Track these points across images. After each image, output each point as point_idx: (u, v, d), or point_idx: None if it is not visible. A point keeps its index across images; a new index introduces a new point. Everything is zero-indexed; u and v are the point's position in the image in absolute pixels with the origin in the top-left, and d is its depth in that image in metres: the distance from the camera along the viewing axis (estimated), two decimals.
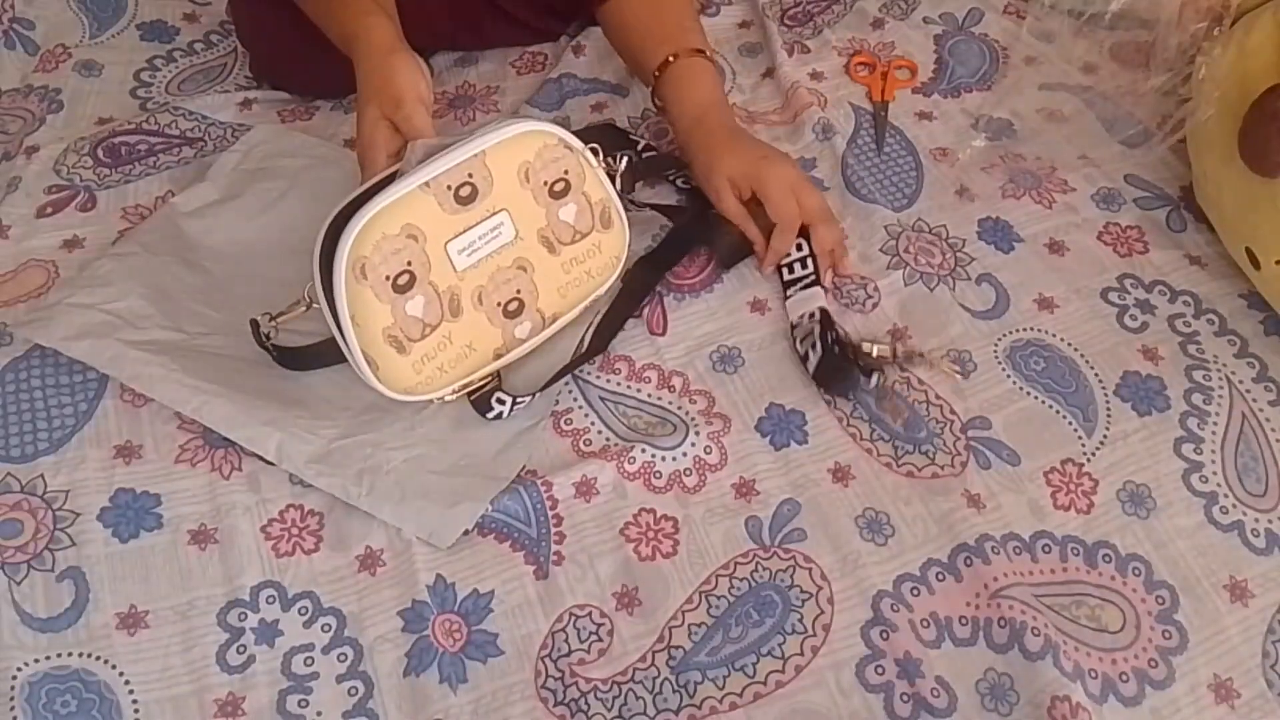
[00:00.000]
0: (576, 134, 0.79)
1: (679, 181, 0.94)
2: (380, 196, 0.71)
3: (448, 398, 0.79)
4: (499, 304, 0.77)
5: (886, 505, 0.77)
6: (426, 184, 0.72)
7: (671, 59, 0.90)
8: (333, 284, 0.71)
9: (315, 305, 0.74)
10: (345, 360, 0.76)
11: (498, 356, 0.79)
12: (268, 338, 0.79)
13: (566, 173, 0.78)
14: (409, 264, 0.72)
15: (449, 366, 0.77)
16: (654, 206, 0.91)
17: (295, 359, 0.80)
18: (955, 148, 0.99)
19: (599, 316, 0.85)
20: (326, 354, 0.79)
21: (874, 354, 0.83)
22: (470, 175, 0.74)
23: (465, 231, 0.74)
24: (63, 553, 0.73)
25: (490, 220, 0.75)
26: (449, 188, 0.73)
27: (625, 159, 0.85)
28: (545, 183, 0.77)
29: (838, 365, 0.81)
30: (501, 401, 0.79)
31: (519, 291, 0.77)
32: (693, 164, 0.89)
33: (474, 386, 0.79)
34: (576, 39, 1.07)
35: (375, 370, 0.74)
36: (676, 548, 0.75)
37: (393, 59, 0.77)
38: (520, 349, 0.81)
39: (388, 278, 0.72)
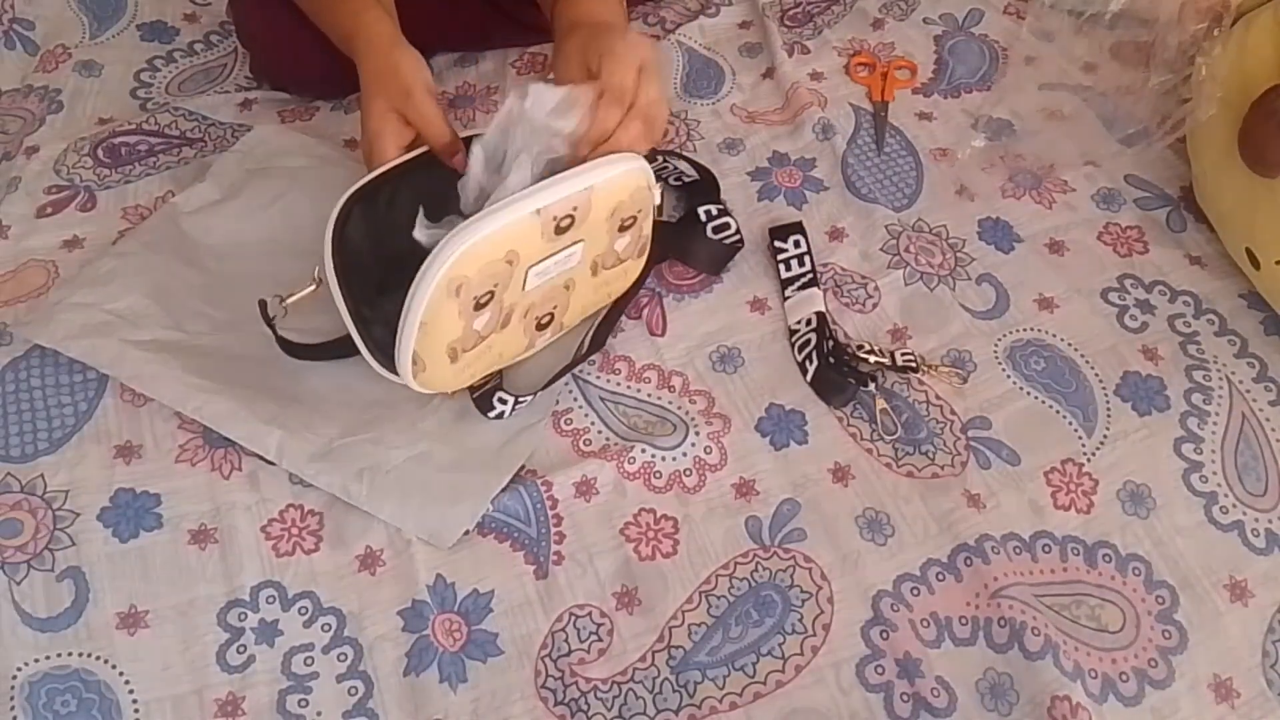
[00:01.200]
0: None
1: (671, 180, 0.94)
2: (494, 217, 0.67)
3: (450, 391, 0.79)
4: (536, 318, 0.77)
5: (886, 505, 0.77)
6: (538, 211, 0.68)
7: None
8: (415, 287, 0.67)
9: (324, 284, 0.73)
10: (348, 356, 0.76)
11: (511, 359, 0.80)
12: (274, 319, 0.78)
13: (640, 211, 0.77)
14: (494, 286, 0.70)
15: (480, 370, 0.77)
16: None
17: (300, 351, 0.80)
18: (955, 148, 0.99)
19: (598, 318, 0.85)
20: (332, 350, 0.79)
21: (871, 362, 0.83)
22: (575, 208, 0.70)
23: (549, 258, 0.72)
24: (63, 552, 0.73)
25: (570, 249, 0.73)
26: (555, 218, 0.70)
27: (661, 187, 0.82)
28: (622, 219, 0.76)
29: (834, 379, 0.82)
30: (503, 401, 0.79)
31: (555, 307, 0.77)
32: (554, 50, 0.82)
33: (475, 385, 0.79)
34: None
35: (419, 373, 0.72)
36: (676, 547, 0.75)
37: (396, 52, 0.77)
38: (530, 351, 0.81)
39: (475, 298, 0.70)
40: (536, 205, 0.68)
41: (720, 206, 0.91)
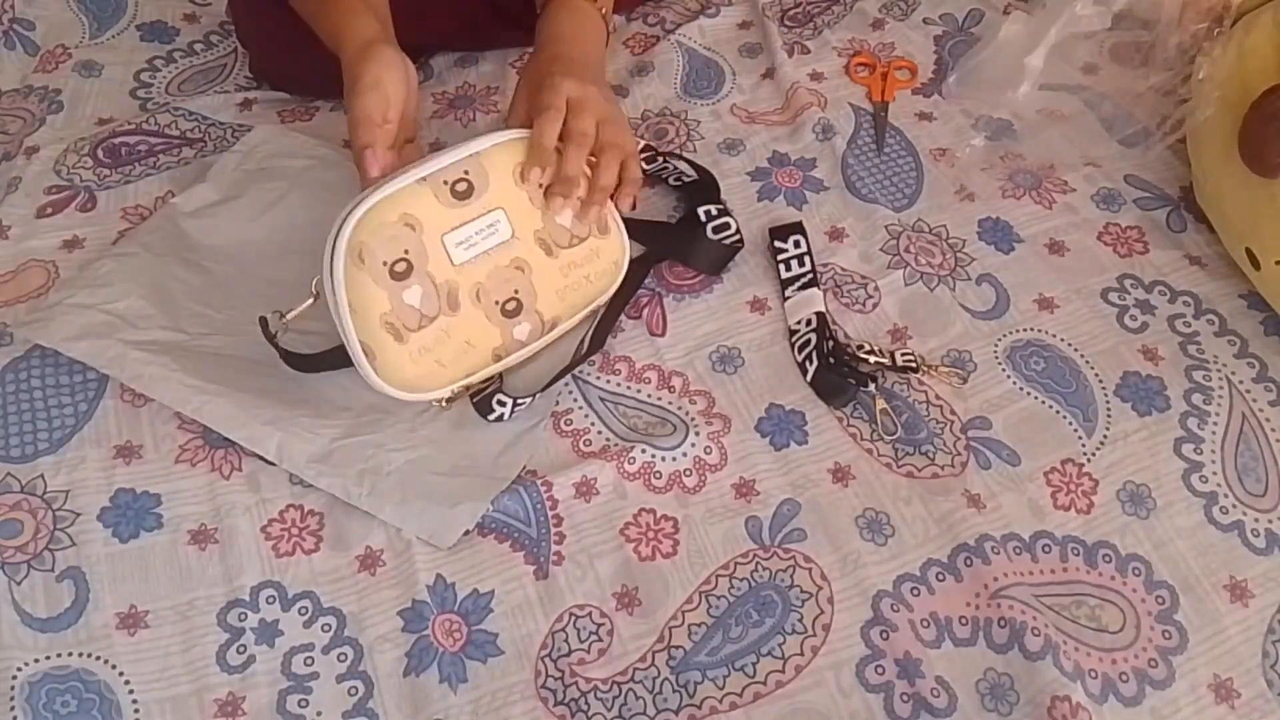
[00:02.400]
0: None
1: (671, 180, 0.94)
2: (378, 190, 0.72)
3: (445, 399, 0.78)
4: (497, 302, 0.77)
5: (886, 505, 0.77)
6: (423, 179, 0.73)
7: None
8: (328, 270, 0.72)
9: (321, 296, 0.74)
10: (350, 364, 0.76)
11: (497, 358, 0.79)
12: (275, 335, 0.78)
13: None
14: (406, 252, 0.73)
15: (447, 361, 0.76)
16: (630, 230, 0.92)
17: (301, 362, 0.80)
18: (955, 148, 0.99)
19: (597, 318, 0.85)
20: (332, 359, 0.79)
21: (871, 362, 0.83)
22: (466, 172, 0.75)
23: (462, 225, 0.75)
24: (63, 553, 0.73)
25: (487, 217, 0.75)
26: (445, 182, 0.74)
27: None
28: (541, 184, 0.77)
29: (834, 380, 0.82)
30: (502, 404, 0.79)
31: (517, 291, 0.77)
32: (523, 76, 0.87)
33: (474, 389, 0.79)
34: None
35: (373, 361, 0.74)
36: (676, 548, 0.75)
37: (373, 48, 0.77)
38: (521, 352, 0.80)
39: (385, 264, 0.72)
40: (420, 174, 0.73)
41: (720, 207, 0.91)
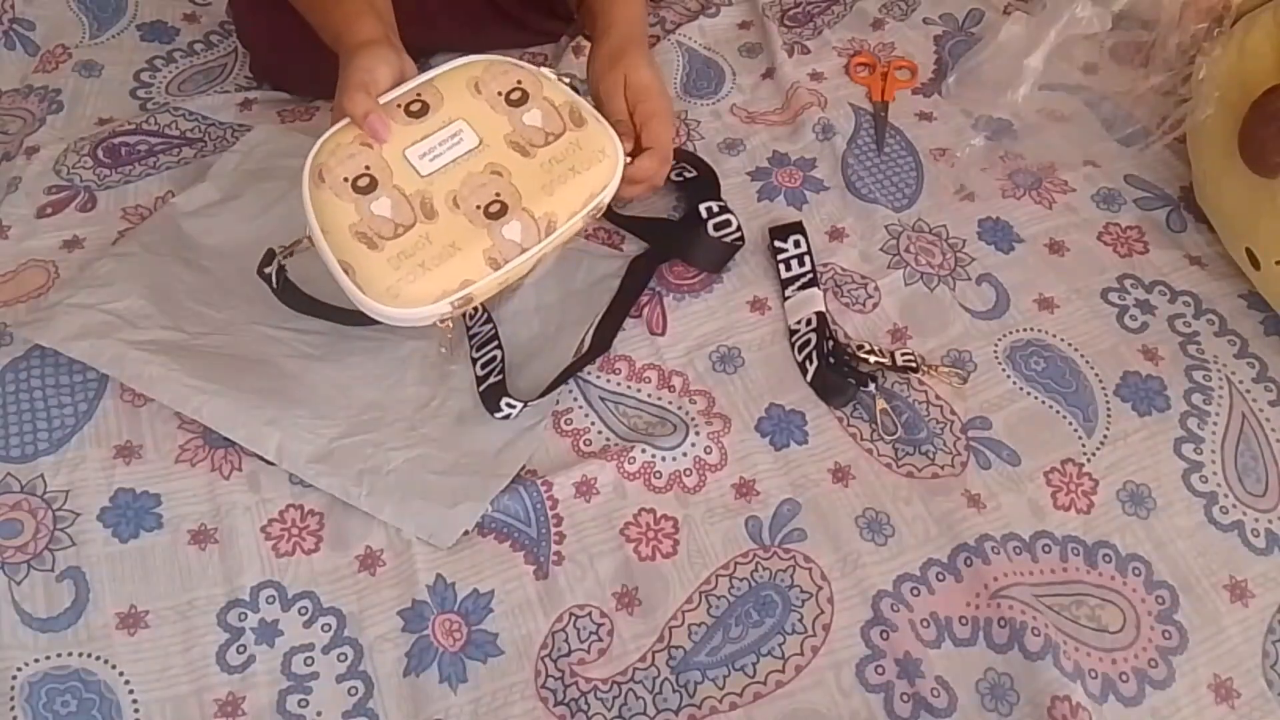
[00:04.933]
0: None
1: (673, 174, 0.94)
2: (336, 125, 0.74)
3: (447, 317, 0.76)
4: (478, 206, 0.75)
5: (886, 505, 0.77)
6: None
7: None
8: (304, 203, 0.73)
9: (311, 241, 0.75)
10: (340, 319, 0.76)
11: (494, 262, 0.74)
12: (279, 267, 0.79)
13: (520, 83, 0.78)
14: (367, 168, 0.73)
15: (431, 263, 0.73)
16: (632, 227, 0.92)
17: (296, 297, 0.80)
18: (955, 148, 0.99)
19: (599, 316, 0.85)
20: (326, 309, 0.79)
21: (871, 362, 0.83)
22: (419, 94, 0.76)
23: (423, 139, 0.75)
24: (63, 553, 0.73)
25: (448, 128, 0.76)
26: (398, 105, 0.75)
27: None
28: (499, 93, 0.77)
29: (834, 380, 0.82)
30: (511, 405, 0.79)
31: (498, 194, 0.75)
32: (595, 52, 0.89)
33: (483, 357, 0.79)
34: (577, 39, 1.07)
35: (352, 275, 0.72)
36: (676, 548, 0.75)
37: (369, 46, 0.77)
38: (523, 256, 0.76)
39: (346, 179, 0.73)
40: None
41: (721, 204, 0.91)
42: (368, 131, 0.74)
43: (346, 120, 0.74)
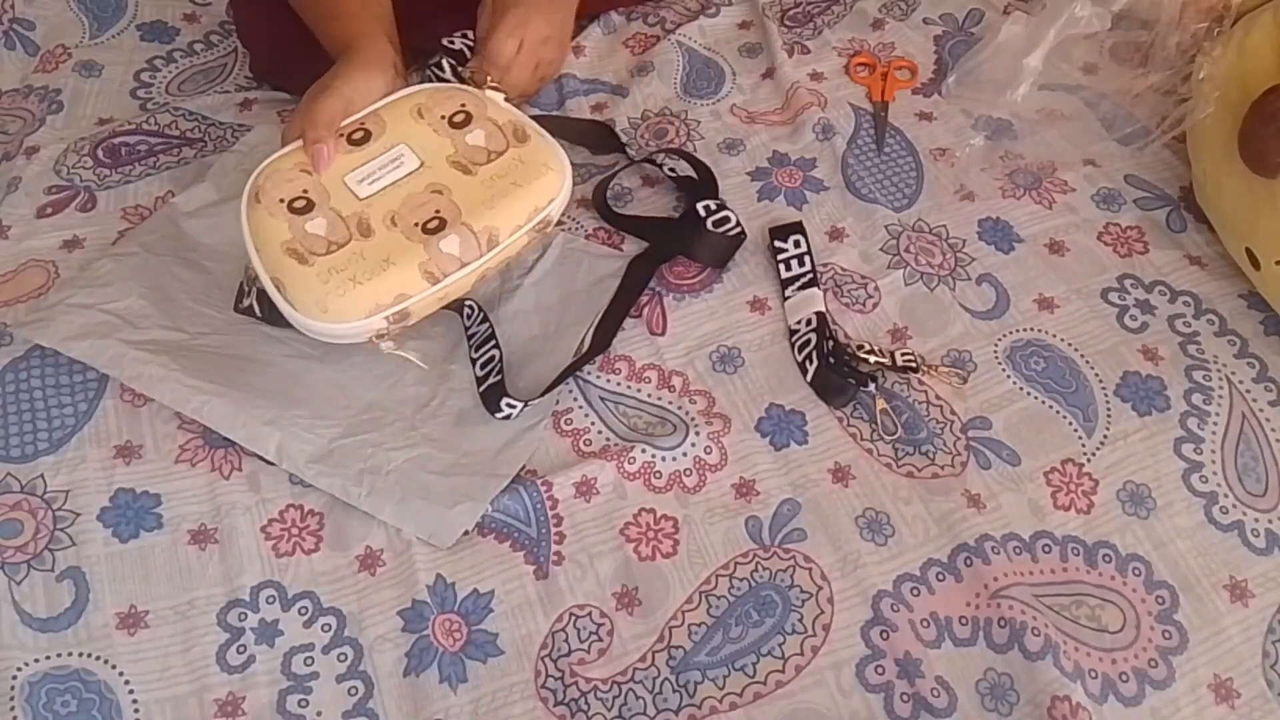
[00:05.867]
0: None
1: (665, 170, 0.94)
2: (280, 150, 0.77)
3: (381, 333, 0.76)
4: (416, 224, 0.75)
5: (886, 505, 0.77)
6: None
7: None
8: (241, 222, 0.75)
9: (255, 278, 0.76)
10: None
11: (431, 276, 0.75)
12: (252, 298, 0.80)
13: (464, 105, 0.80)
14: (305, 191, 0.75)
15: (363, 277, 0.73)
16: (631, 227, 0.92)
17: (276, 312, 0.80)
18: (955, 148, 0.99)
19: (599, 315, 0.85)
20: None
21: (871, 362, 0.83)
22: (362, 123, 0.78)
23: (362, 165, 0.77)
24: (63, 553, 0.73)
25: (389, 153, 0.77)
26: (341, 134, 0.77)
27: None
28: (443, 116, 0.79)
29: (834, 380, 0.82)
30: (512, 405, 0.79)
31: (438, 211, 0.76)
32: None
33: (482, 357, 0.80)
34: (576, 39, 1.07)
35: (283, 290, 0.73)
36: (676, 548, 0.75)
37: (359, 71, 0.78)
38: (463, 271, 0.76)
39: (282, 200, 0.74)
40: None
41: (719, 201, 0.91)
42: (310, 157, 0.76)
43: (294, 146, 0.77)
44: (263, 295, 0.78)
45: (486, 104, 0.81)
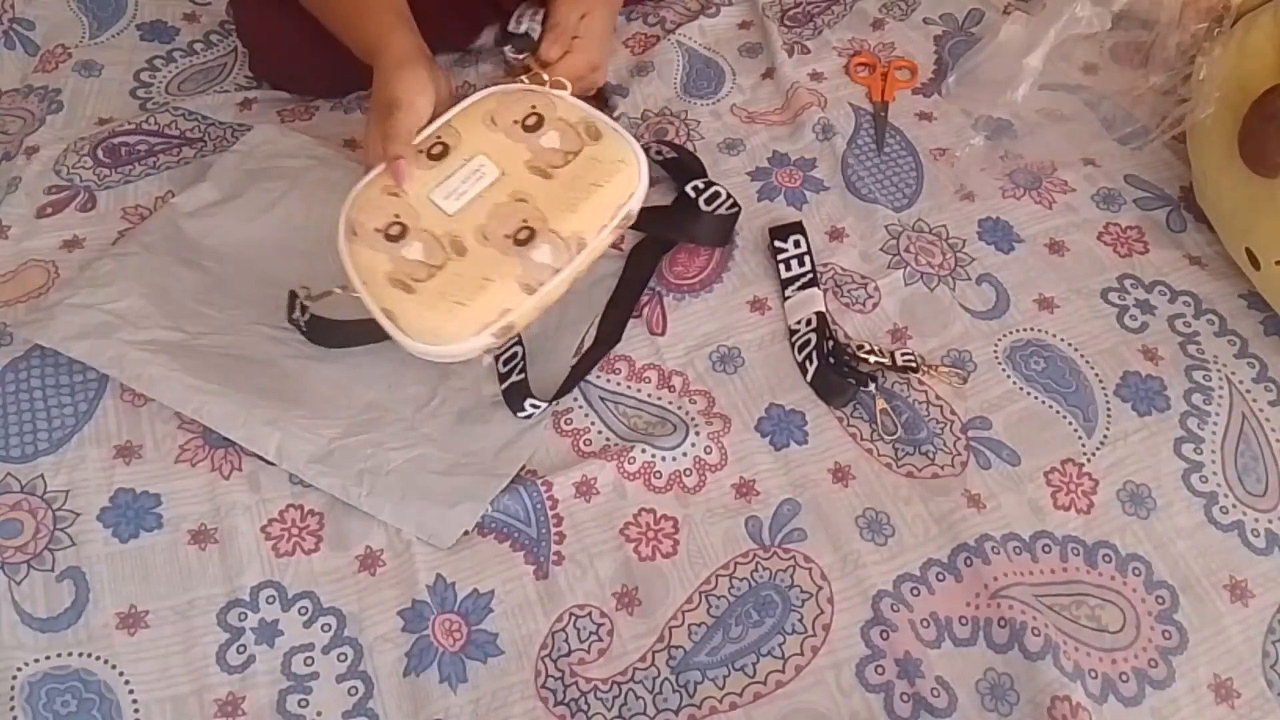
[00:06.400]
0: None
1: (653, 152, 0.94)
2: (364, 177, 0.76)
3: (491, 349, 0.77)
4: (506, 235, 0.76)
5: (886, 505, 0.77)
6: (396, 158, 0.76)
7: None
8: (342, 258, 0.74)
9: (348, 290, 0.75)
10: (375, 340, 0.77)
11: (528, 288, 0.75)
12: (304, 310, 0.80)
13: (534, 108, 0.80)
14: (397, 216, 0.75)
15: (467, 299, 0.74)
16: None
17: (328, 333, 0.81)
18: (955, 148, 0.99)
19: (604, 308, 0.85)
20: (358, 333, 0.79)
21: (871, 362, 0.83)
22: (439, 138, 0.78)
23: (445, 180, 0.76)
24: (63, 553, 0.73)
25: (469, 165, 0.77)
26: (420, 151, 0.77)
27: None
28: (515, 121, 0.79)
29: (834, 380, 0.82)
30: (536, 405, 0.79)
31: (525, 220, 0.76)
32: None
33: (505, 353, 0.79)
34: None
35: (395, 321, 0.74)
36: (676, 548, 0.75)
37: (410, 67, 0.78)
38: (557, 279, 0.76)
39: (377, 230, 0.74)
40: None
41: (706, 180, 0.91)
42: (393, 175, 0.75)
43: (378, 171, 0.76)
44: (314, 320, 0.80)
45: (555, 103, 0.80)
